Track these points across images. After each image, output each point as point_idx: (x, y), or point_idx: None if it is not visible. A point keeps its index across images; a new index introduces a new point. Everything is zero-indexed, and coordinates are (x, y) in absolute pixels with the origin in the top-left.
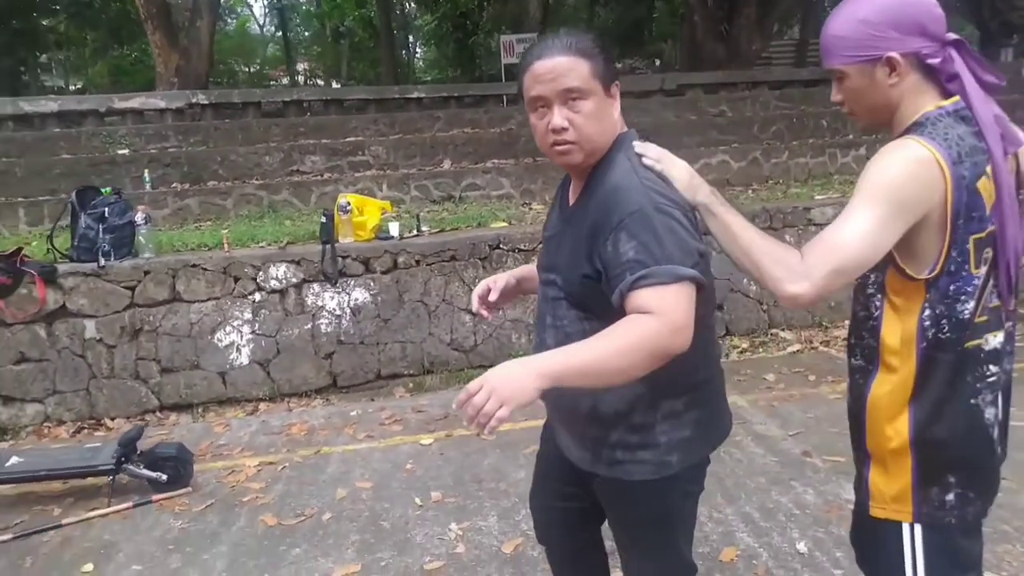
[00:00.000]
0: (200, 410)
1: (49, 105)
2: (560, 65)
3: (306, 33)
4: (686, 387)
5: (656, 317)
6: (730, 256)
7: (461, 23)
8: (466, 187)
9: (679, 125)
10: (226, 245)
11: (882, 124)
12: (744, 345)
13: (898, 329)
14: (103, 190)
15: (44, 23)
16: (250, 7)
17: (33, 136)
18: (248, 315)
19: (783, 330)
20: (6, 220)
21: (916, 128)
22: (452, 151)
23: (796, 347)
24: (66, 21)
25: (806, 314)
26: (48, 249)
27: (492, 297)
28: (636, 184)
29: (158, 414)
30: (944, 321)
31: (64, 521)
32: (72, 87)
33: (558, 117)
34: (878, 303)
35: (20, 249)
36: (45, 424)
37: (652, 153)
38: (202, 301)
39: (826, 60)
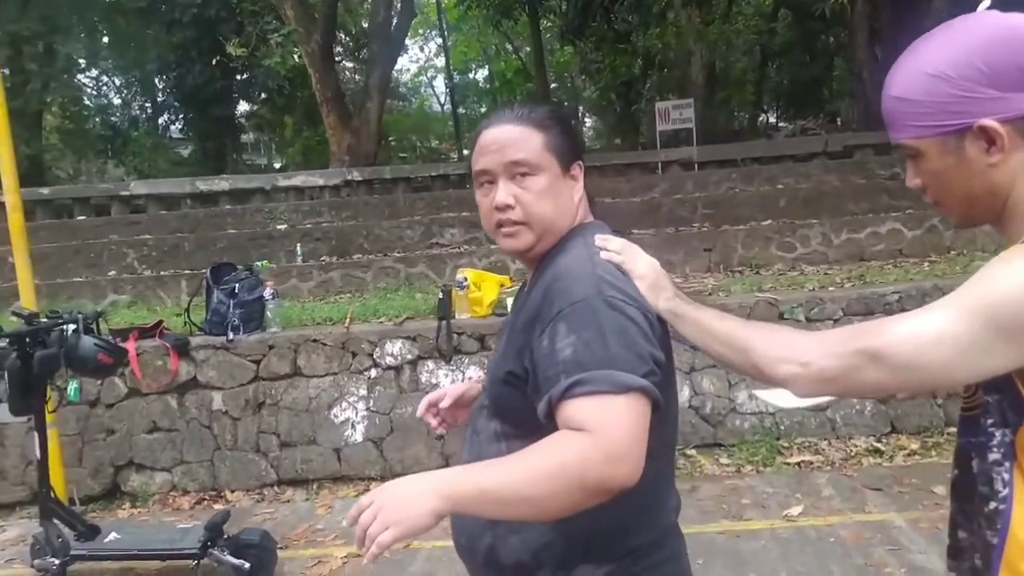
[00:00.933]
0: (315, 486)
1: (221, 184)
2: (507, 135)
3: (482, 109)
4: (617, 552)
5: (589, 436)
6: (712, 356)
7: (624, 92)
8: None
9: (843, 190)
10: (348, 320)
11: (983, 218)
12: (913, 446)
13: None
14: (257, 264)
15: (245, 109)
16: (432, 88)
17: (205, 212)
18: (363, 391)
19: None
20: (170, 291)
21: None
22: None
23: None
24: (264, 107)
25: None
26: (185, 322)
27: (444, 404)
28: (587, 272)
29: (275, 488)
30: None
31: None
32: (276, 165)
33: (503, 192)
34: (1006, 476)
35: (161, 322)
36: (171, 493)
37: (614, 245)
38: (320, 376)
39: (892, 133)
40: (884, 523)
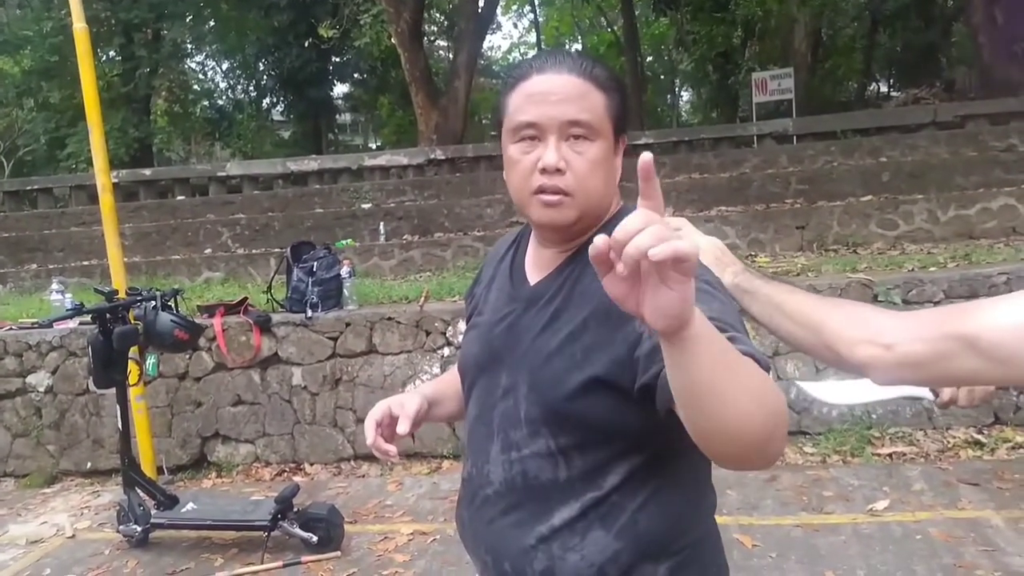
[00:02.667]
0: (388, 463)
1: (311, 164)
2: (568, 87)
3: None
4: (675, 547)
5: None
6: (782, 335)
7: (721, 63)
8: None
9: (952, 163)
10: (423, 299)
11: None
12: (1019, 439)
13: None
14: (339, 242)
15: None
16: None
17: (295, 192)
18: (436, 369)
19: None
20: (259, 269)
21: None
22: (675, 199)
23: None
24: (358, 88)
25: None
26: (268, 299)
27: (403, 428)
28: None
29: (351, 463)
30: None
31: (217, 574)
32: (371, 145)
33: (553, 153)
34: None
35: (246, 299)
36: (254, 464)
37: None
38: (395, 354)
39: None
40: (979, 521)
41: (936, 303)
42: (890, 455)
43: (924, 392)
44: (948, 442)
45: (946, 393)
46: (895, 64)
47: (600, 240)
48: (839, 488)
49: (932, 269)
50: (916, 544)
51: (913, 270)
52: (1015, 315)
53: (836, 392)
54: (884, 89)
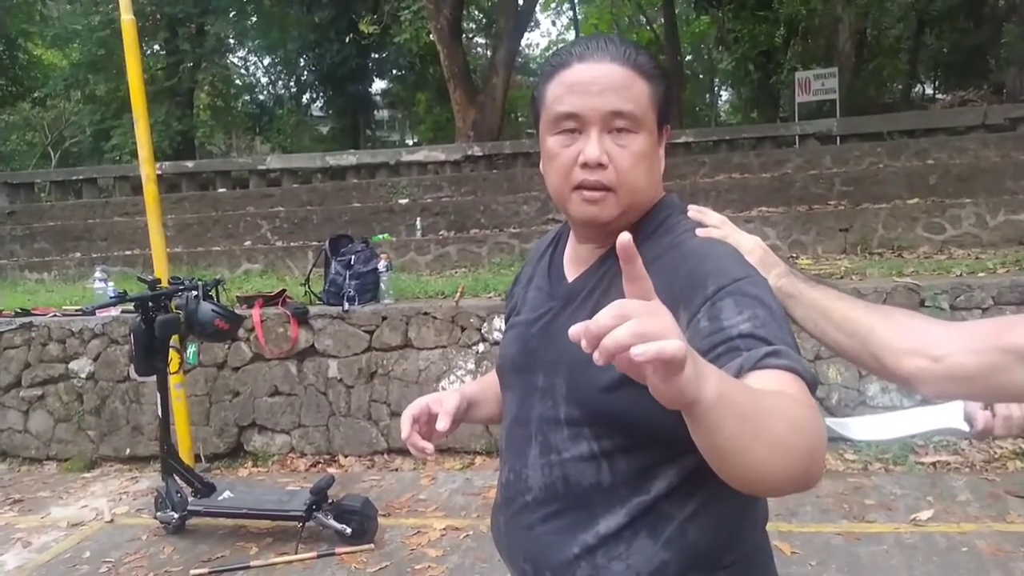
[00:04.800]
0: (423, 460)
1: (349, 159)
2: (611, 76)
3: None
4: (727, 559)
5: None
6: (827, 343)
7: (762, 63)
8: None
9: (1002, 166)
10: (458, 295)
11: None
12: None
13: None
14: (376, 237)
15: (380, 87)
16: None
17: (333, 186)
18: (471, 365)
19: None
20: (297, 261)
21: None
22: (714, 198)
23: None
24: (397, 84)
25: None
26: (305, 292)
27: (442, 425)
28: (730, 251)
29: (385, 456)
30: None
31: (252, 563)
32: (408, 142)
33: (595, 147)
34: None
35: (284, 291)
36: (289, 455)
37: (712, 219)
38: (430, 349)
39: None
40: None
41: (985, 310)
42: (934, 464)
43: (960, 424)
44: (995, 452)
45: (980, 421)
46: (941, 65)
47: (625, 237)
48: (881, 496)
49: (981, 274)
50: (961, 556)
51: (961, 275)
52: None
53: (866, 429)
54: (929, 91)
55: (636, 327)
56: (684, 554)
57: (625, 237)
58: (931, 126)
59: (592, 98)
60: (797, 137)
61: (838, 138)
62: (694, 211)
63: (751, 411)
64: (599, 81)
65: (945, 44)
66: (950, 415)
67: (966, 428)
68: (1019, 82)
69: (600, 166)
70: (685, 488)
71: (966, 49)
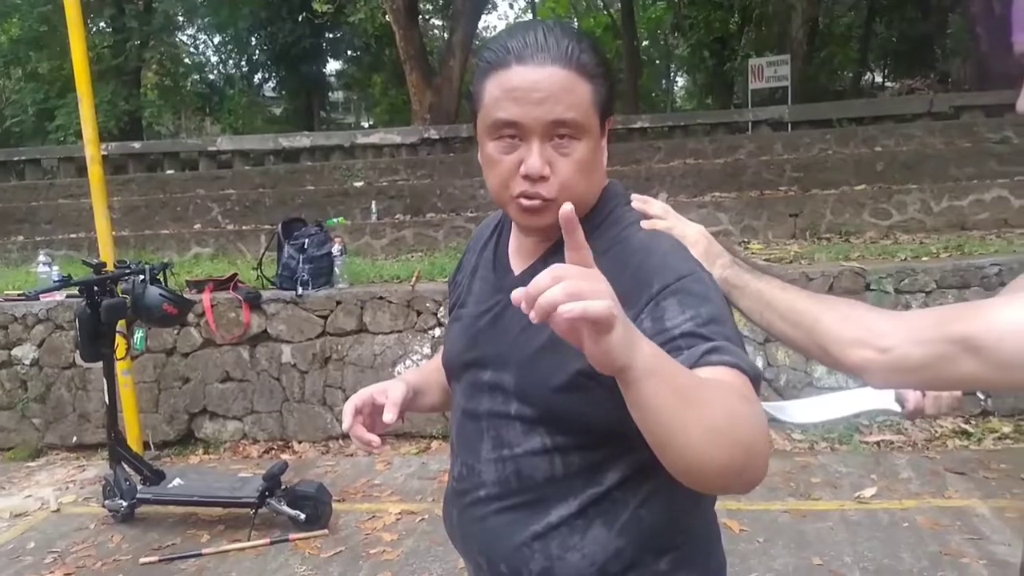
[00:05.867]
0: (371, 451)
1: (303, 141)
2: (552, 82)
3: None
4: (680, 540)
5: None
6: (773, 333)
7: (717, 49)
8: None
9: (947, 153)
10: (414, 279)
11: None
12: (1006, 429)
13: None
14: (330, 220)
15: (335, 68)
16: None
17: (286, 169)
18: (427, 350)
19: None
20: (249, 245)
21: None
22: (669, 183)
23: None
24: (352, 65)
25: None
26: (257, 276)
27: (389, 417)
28: (672, 246)
29: (340, 442)
30: None
31: (204, 551)
32: (364, 124)
33: (537, 159)
34: None
35: (235, 275)
36: (241, 441)
37: (655, 208)
38: (386, 334)
39: (1015, 35)
40: (965, 510)
41: (928, 293)
42: (878, 443)
43: (891, 404)
44: (936, 431)
45: (912, 402)
46: (890, 54)
47: (567, 207)
48: (827, 475)
49: (925, 259)
50: (903, 531)
51: (906, 259)
52: (1017, 318)
53: (801, 412)
54: (879, 79)
55: (569, 287)
56: (638, 539)
57: (567, 208)
58: (879, 114)
59: (533, 107)
60: (750, 123)
61: (789, 125)
62: (637, 201)
63: (690, 390)
64: (540, 87)
65: (894, 33)
66: (883, 396)
67: (898, 409)
68: (963, 72)
69: (542, 178)
70: (637, 477)
71: (914, 39)
